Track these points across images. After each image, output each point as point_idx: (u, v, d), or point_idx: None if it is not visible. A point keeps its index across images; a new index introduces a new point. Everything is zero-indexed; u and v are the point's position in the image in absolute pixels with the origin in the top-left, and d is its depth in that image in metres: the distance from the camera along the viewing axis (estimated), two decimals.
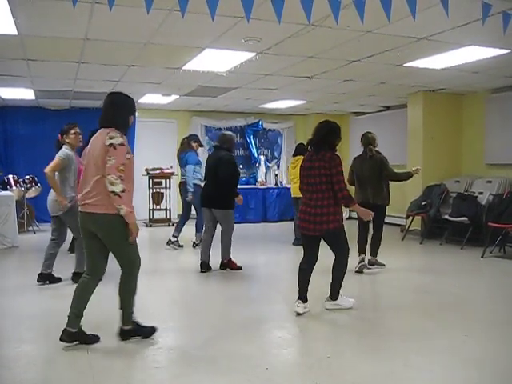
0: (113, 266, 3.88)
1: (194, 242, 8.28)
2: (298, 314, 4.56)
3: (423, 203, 8.97)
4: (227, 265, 6.57)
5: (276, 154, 13.57)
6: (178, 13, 4.43)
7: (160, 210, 11.39)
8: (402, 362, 3.52)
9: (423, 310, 4.85)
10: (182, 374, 3.38)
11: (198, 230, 8.07)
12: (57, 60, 6.73)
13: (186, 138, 8.56)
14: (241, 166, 12.16)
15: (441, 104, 9.59)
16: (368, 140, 6.53)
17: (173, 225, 10.80)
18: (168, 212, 11.39)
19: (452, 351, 3.74)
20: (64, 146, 5.72)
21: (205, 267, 6.48)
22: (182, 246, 8.20)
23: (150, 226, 11.17)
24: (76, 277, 5.60)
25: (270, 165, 13.32)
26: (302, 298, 4.64)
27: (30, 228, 9.88)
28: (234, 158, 6.57)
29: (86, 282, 3.91)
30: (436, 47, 6.01)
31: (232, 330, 4.23)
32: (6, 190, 9.20)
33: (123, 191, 3.53)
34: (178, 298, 5.38)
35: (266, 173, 13.00)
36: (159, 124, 12.19)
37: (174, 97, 10.10)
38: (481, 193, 8.43)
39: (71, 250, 7.28)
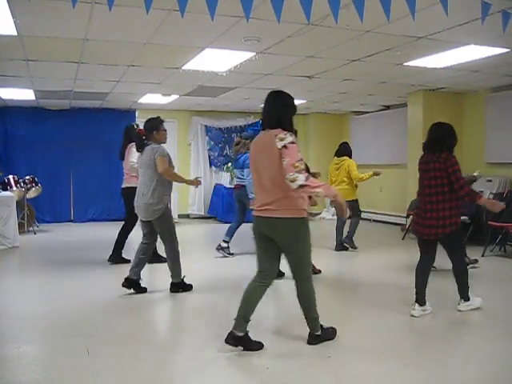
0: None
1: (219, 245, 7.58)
2: (413, 317, 4.53)
3: None
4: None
5: None
6: (177, 13, 4.44)
7: None
8: (403, 361, 3.51)
9: None
10: (182, 374, 3.38)
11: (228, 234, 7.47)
12: (57, 60, 6.72)
13: (241, 136, 7.72)
14: None
15: (441, 103, 9.57)
16: None
17: None
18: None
19: (452, 350, 3.74)
20: (149, 142, 5.29)
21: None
22: (232, 255, 7.45)
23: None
24: (174, 287, 5.38)
25: None
26: (419, 301, 4.59)
27: (31, 228, 9.88)
28: None
29: (255, 287, 3.76)
30: (436, 46, 6.01)
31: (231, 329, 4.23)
32: (7, 190, 9.20)
33: (306, 178, 3.34)
34: (177, 297, 5.37)
35: None
36: None
37: (174, 97, 10.10)
38: (481, 191, 8.42)
39: (111, 260, 6.94)
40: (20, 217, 9.35)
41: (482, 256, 7.35)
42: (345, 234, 8.05)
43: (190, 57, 6.59)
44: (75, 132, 11.54)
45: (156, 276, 6.29)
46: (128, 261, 6.44)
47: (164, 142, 5.44)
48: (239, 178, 7.34)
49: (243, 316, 3.67)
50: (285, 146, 3.42)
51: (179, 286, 5.40)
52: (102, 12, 4.60)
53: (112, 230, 10.40)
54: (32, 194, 9.92)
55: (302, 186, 3.32)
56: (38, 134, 11.34)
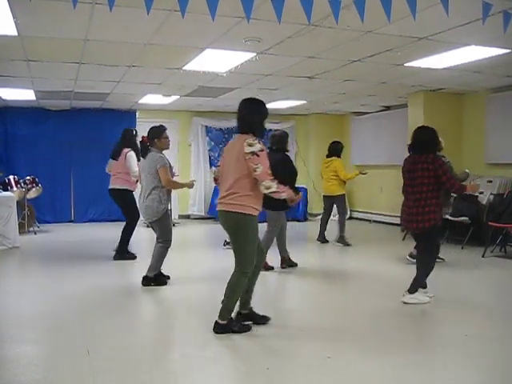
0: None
1: (225, 241, 8.10)
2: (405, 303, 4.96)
3: None
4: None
5: None
6: (178, 13, 4.43)
7: None
8: (403, 361, 3.51)
9: (423, 310, 4.84)
10: (183, 373, 3.38)
11: None
12: (57, 61, 6.72)
13: None
14: None
15: (441, 104, 9.57)
16: None
17: (174, 225, 10.80)
18: (170, 212, 11.35)
19: (453, 350, 3.74)
20: (153, 149, 5.66)
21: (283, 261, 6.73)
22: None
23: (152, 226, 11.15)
24: (146, 280, 5.64)
25: None
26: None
27: (31, 229, 9.88)
28: (288, 158, 6.57)
29: (235, 277, 4.10)
30: (436, 47, 6.01)
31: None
32: (7, 190, 9.20)
33: (278, 184, 3.88)
34: (178, 297, 5.38)
35: None
36: None
37: (174, 97, 10.10)
38: (481, 192, 8.42)
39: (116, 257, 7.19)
40: (20, 217, 9.34)
41: (483, 257, 7.35)
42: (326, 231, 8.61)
43: (190, 57, 6.59)
44: (76, 132, 11.54)
45: None
46: (134, 256, 7.09)
47: (166, 149, 5.78)
48: None
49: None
50: (256, 154, 3.82)
51: (151, 280, 5.67)
52: (102, 12, 4.59)
53: (112, 230, 10.41)
54: (32, 194, 9.92)
55: (273, 192, 3.86)
56: (39, 134, 11.34)
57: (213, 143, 12.84)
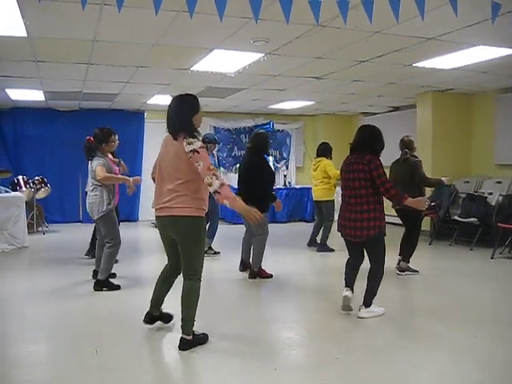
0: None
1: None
2: (346, 297, 4.61)
3: (432, 204, 8.91)
4: (257, 273, 6.22)
5: (285, 154, 13.56)
6: (186, 14, 4.43)
7: None
8: (410, 362, 3.50)
9: (432, 311, 4.82)
10: (190, 373, 3.38)
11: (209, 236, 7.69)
12: (66, 61, 6.76)
13: (203, 140, 7.76)
14: None
15: (450, 104, 9.53)
16: (404, 144, 6.45)
17: None
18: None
19: (461, 352, 3.71)
20: (98, 153, 5.92)
21: (244, 266, 6.47)
22: (218, 253, 7.72)
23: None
24: (98, 285, 5.45)
25: (278, 165, 13.31)
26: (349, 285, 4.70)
27: (40, 229, 9.93)
28: (264, 160, 6.33)
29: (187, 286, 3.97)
30: (445, 47, 5.99)
31: (240, 330, 4.23)
32: (16, 190, 9.25)
33: (221, 185, 3.61)
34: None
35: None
36: None
37: None
38: (490, 193, 8.37)
39: (88, 253, 7.26)
40: (29, 217, 9.40)
41: (492, 258, 7.31)
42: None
43: (198, 58, 6.61)
44: (84, 133, 11.45)
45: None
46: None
47: (111, 151, 6.21)
48: None
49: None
50: (196, 151, 3.60)
51: (103, 285, 5.48)
52: (111, 13, 4.62)
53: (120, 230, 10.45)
54: (41, 194, 9.97)
55: (216, 192, 3.55)
56: (48, 134, 11.39)
57: (221, 144, 12.84)
